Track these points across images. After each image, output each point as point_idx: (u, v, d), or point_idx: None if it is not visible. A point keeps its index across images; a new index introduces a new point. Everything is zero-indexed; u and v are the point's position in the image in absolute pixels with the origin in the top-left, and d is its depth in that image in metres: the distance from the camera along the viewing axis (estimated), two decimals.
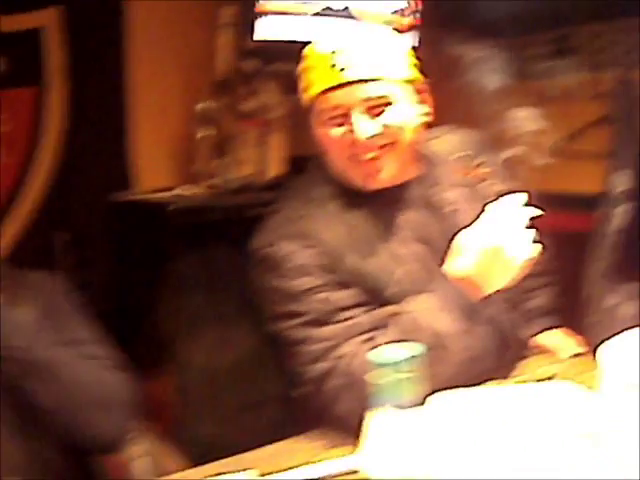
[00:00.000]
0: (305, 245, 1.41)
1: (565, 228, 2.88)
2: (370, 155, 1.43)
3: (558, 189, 2.94)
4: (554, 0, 3.11)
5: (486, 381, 1.41)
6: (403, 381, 0.84)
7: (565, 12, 3.14)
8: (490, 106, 1.62)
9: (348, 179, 1.48)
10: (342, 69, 1.40)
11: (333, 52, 1.41)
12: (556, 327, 1.76)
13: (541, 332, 1.71)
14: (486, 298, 1.36)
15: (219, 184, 2.95)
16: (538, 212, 1.35)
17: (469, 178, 1.56)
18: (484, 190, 1.51)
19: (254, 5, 2.72)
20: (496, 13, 3.15)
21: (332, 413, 1.36)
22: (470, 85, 1.69)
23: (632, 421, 1.11)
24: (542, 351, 1.67)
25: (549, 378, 1.48)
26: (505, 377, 1.48)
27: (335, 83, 1.40)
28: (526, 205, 1.35)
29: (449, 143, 1.62)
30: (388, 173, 1.46)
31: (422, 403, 0.87)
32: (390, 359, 0.83)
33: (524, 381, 1.45)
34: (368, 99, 1.42)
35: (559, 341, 1.71)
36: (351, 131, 1.41)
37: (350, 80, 1.40)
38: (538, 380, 1.47)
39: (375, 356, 0.84)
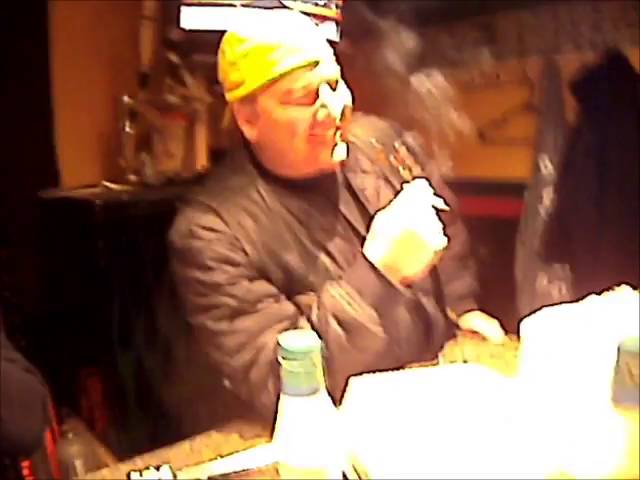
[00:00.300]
0: (220, 235, 1.39)
1: (493, 213, 2.93)
2: (332, 132, 1.42)
3: (484, 175, 3.00)
4: None
5: (409, 365, 1.42)
6: (311, 368, 0.83)
7: None
8: (412, 93, 1.63)
9: (292, 163, 1.46)
10: (302, 50, 1.38)
11: (285, 36, 1.39)
12: (481, 310, 1.78)
13: (465, 315, 1.73)
14: (404, 282, 1.37)
15: (145, 178, 2.92)
16: (444, 206, 1.36)
17: (385, 164, 1.56)
18: (400, 176, 1.52)
19: None
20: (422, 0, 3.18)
21: (256, 403, 1.35)
22: (392, 72, 1.69)
23: (551, 399, 1.13)
24: (466, 334, 1.69)
25: (471, 360, 1.50)
26: (428, 360, 1.50)
27: (304, 62, 1.38)
28: (436, 196, 1.36)
29: (365, 129, 1.62)
30: (342, 152, 1.46)
31: (328, 390, 0.86)
32: (296, 347, 0.82)
33: (444, 364, 1.47)
34: (330, 79, 1.42)
35: (483, 323, 1.73)
36: (322, 107, 1.40)
37: (316, 60, 1.39)
38: (460, 362, 1.49)
39: (282, 342, 0.83)
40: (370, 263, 1.35)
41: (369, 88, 1.65)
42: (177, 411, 2.42)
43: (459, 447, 1.06)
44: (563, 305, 1.26)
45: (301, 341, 0.83)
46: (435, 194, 1.37)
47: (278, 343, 0.82)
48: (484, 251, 1.94)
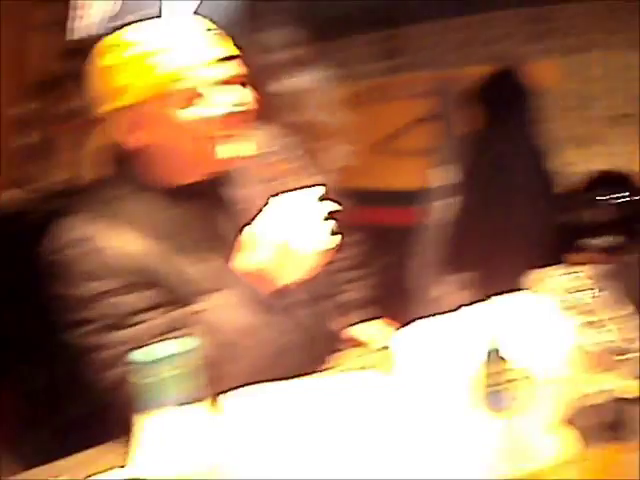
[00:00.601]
0: (93, 248, 1.35)
1: (388, 223, 2.96)
2: (228, 133, 1.40)
3: (380, 185, 3.03)
4: (379, 1, 3.18)
5: (294, 376, 1.40)
6: (175, 378, 0.81)
7: (389, 13, 3.21)
8: (305, 104, 1.62)
9: (184, 168, 1.43)
10: (194, 51, 1.36)
11: (175, 38, 1.36)
12: (374, 319, 1.78)
13: (356, 324, 1.73)
14: (281, 291, 1.35)
15: (35, 189, 2.85)
16: (336, 206, 1.35)
17: (269, 174, 1.55)
18: (282, 186, 1.50)
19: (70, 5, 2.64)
20: (321, 13, 3.19)
21: (128, 420, 1.32)
22: (288, 84, 1.69)
23: (423, 405, 1.14)
24: (356, 344, 1.68)
25: (359, 369, 1.49)
26: (315, 371, 1.48)
27: (196, 63, 1.36)
28: (323, 199, 1.35)
29: (255, 137, 1.60)
30: (240, 151, 1.43)
31: (200, 399, 0.84)
32: (155, 355, 0.80)
33: (333, 373, 1.46)
34: (227, 78, 1.39)
35: (374, 333, 1.73)
36: (217, 108, 1.37)
37: (211, 59, 1.37)
38: (350, 371, 1.48)
39: (140, 355, 0.81)
40: (244, 274, 1.34)
41: (260, 96, 1.64)
42: (82, 423, 2.37)
43: (335, 455, 1.06)
44: (439, 315, 1.28)
45: (164, 349, 0.82)
46: (325, 200, 1.36)
47: (140, 355, 0.80)
48: (379, 261, 1.95)
